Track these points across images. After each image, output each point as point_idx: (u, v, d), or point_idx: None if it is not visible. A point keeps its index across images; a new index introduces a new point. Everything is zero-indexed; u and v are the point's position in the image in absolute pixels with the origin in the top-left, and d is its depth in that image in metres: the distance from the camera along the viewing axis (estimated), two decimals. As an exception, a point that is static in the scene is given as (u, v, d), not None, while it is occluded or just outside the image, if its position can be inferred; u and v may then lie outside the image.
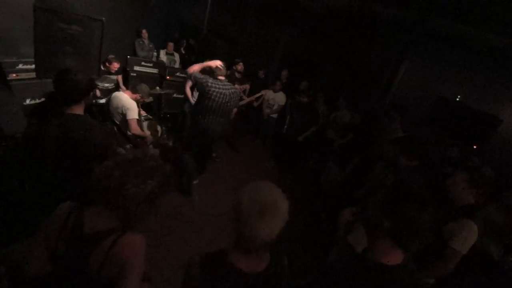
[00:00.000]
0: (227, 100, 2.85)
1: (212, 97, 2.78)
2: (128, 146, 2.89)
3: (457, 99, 4.44)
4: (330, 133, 4.50)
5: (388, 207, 0.88)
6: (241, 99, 4.94)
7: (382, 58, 4.87)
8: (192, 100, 4.18)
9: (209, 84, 2.75)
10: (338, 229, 2.07)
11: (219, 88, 2.79)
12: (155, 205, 1.01)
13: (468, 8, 3.33)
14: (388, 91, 4.76)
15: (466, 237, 1.54)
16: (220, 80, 2.83)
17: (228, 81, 3.02)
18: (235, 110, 3.49)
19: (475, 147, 4.22)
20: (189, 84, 4.17)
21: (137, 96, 2.92)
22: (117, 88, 4.11)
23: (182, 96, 4.32)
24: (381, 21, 4.56)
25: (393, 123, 3.62)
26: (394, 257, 0.89)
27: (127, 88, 3.06)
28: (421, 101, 4.66)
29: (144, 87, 2.98)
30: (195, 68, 2.86)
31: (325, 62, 5.68)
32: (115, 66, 4.20)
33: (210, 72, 2.87)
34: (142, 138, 3.00)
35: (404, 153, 1.95)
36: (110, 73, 4.22)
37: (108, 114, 2.89)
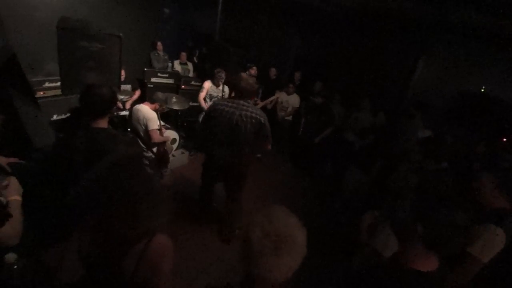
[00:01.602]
0: (235, 122, 2.23)
1: (217, 117, 2.29)
2: (150, 155, 2.98)
3: (482, 90, 4.23)
4: (349, 135, 4.30)
5: (419, 210, 0.84)
6: (255, 103, 4.97)
7: (399, 54, 4.74)
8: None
9: (215, 105, 2.36)
10: (360, 233, 2.01)
11: (225, 106, 2.28)
12: (162, 206, 0.95)
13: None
14: (406, 87, 4.61)
15: (487, 242, 1.37)
16: (232, 100, 2.34)
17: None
18: (268, 145, 2.40)
19: (504, 139, 3.99)
20: (202, 94, 4.26)
21: (156, 105, 3.01)
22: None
23: (197, 104, 4.41)
24: (396, 16, 4.45)
25: (413, 120, 3.50)
26: (429, 263, 0.86)
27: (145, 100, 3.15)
28: (443, 96, 4.49)
29: (160, 94, 3.07)
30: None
31: (339, 62, 5.60)
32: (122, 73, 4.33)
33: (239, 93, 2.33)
34: (163, 145, 3.08)
35: (432, 156, 1.85)
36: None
37: (131, 127, 2.99)
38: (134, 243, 0.95)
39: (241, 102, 2.27)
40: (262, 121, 2.24)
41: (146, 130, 2.86)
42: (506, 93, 4.00)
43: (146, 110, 2.89)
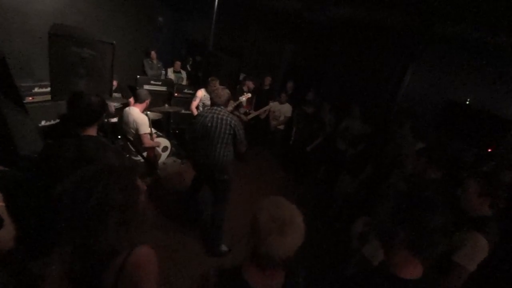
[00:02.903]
0: (208, 124, 2.46)
1: (197, 123, 2.55)
2: (139, 159, 2.94)
3: (467, 102, 4.36)
4: (341, 144, 4.29)
5: (400, 215, 0.85)
6: (248, 113, 5.01)
7: (388, 65, 4.87)
8: None
9: (198, 113, 2.77)
10: (352, 241, 2.01)
11: (204, 112, 2.58)
12: (137, 217, 0.94)
13: (474, 10, 3.31)
14: (395, 97, 4.72)
15: (472, 251, 1.37)
16: (211, 107, 2.59)
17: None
18: (241, 148, 2.59)
19: (489, 150, 4.10)
20: (195, 103, 4.26)
21: (145, 104, 2.98)
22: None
23: (190, 112, 4.41)
24: (385, 28, 4.59)
25: (403, 129, 3.56)
26: (413, 270, 0.86)
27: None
28: (430, 105, 4.61)
29: (143, 91, 3.09)
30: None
31: (330, 71, 5.71)
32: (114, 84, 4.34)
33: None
34: (154, 150, 3.05)
35: (431, 166, 1.87)
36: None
37: (121, 131, 2.96)
38: (112, 256, 0.91)
39: (215, 107, 2.53)
40: (232, 124, 2.46)
41: (137, 134, 2.84)
42: (490, 104, 4.14)
43: (137, 114, 2.87)
